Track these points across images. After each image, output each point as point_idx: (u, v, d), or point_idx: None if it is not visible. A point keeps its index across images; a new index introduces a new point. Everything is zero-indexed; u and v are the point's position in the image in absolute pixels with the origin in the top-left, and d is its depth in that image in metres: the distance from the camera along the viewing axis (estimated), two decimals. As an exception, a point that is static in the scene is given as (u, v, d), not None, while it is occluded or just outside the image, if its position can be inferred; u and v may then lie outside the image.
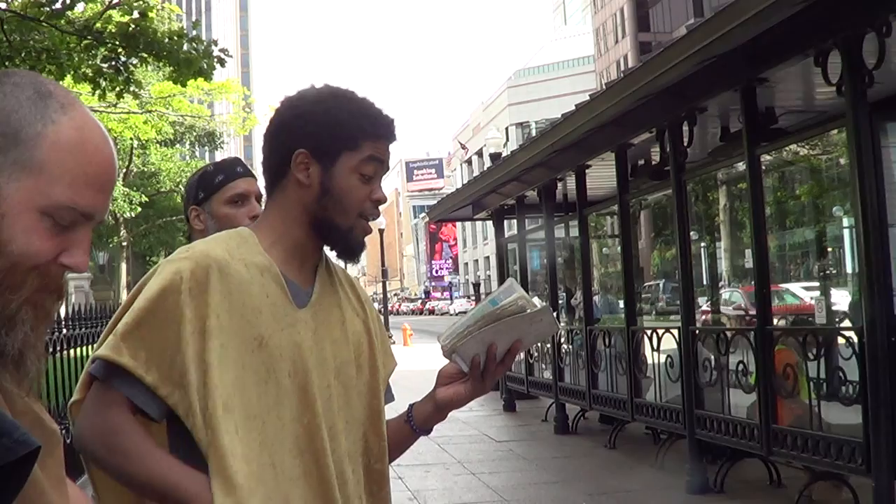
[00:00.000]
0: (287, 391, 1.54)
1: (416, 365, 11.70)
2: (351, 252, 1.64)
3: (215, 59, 11.23)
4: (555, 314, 1.76)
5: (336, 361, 1.63)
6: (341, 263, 1.79)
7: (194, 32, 11.70)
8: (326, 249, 1.69)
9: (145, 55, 11.02)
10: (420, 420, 1.76)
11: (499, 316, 1.65)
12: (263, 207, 1.77)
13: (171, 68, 11.10)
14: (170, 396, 1.48)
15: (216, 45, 11.62)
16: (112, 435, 1.48)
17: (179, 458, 1.50)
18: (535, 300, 1.70)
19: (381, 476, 1.70)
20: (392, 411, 1.76)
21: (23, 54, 10.66)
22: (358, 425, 1.66)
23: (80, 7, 11.37)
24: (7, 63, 10.39)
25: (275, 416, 1.52)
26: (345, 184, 1.60)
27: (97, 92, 11.66)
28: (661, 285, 10.85)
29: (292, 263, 1.63)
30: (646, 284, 10.92)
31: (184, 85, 12.50)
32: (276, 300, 1.57)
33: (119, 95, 12.00)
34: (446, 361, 1.75)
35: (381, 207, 1.69)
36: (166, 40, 10.86)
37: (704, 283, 8.82)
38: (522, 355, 11.43)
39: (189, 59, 10.88)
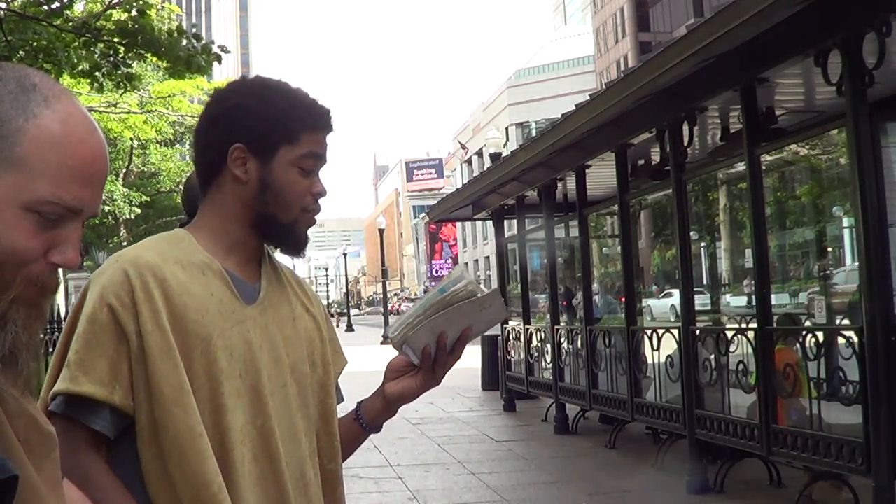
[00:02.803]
0: (239, 392, 1.48)
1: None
2: (296, 247, 1.59)
3: (213, 57, 11.21)
4: (503, 300, 1.73)
5: (290, 359, 1.57)
6: (287, 261, 1.73)
7: (194, 30, 11.70)
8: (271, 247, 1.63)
9: (143, 52, 11.00)
10: (369, 418, 1.70)
11: (449, 302, 1.60)
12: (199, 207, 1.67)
13: (169, 64, 11.07)
14: (135, 411, 1.42)
15: (213, 44, 11.64)
16: (85, 484, 1.36)
17: (123, 473, 1.43)
18: (482, 286, 1.67)
19: (335, 476, 1.65)
20: (341, 411, 1.72)
21: (20, 53, 10.64)
22: (312, 425, 1.61)
23: (79, 7, 11.38)
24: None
25: (229, 419, 1.46)
26: (285, 178, 1.54)
27: (95, 85, 11.63)
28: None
29: (233, 260, 1.56)
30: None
31: (181, 77, 12.48)
32: (221, 297, 1.50)
33: (118, 87, 11.98)
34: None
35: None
36: (164, 37, 10.84)
37: (704, 282, 8.81)
38: (523, 355, 11.45)
39: (189, 58, 10.86)
